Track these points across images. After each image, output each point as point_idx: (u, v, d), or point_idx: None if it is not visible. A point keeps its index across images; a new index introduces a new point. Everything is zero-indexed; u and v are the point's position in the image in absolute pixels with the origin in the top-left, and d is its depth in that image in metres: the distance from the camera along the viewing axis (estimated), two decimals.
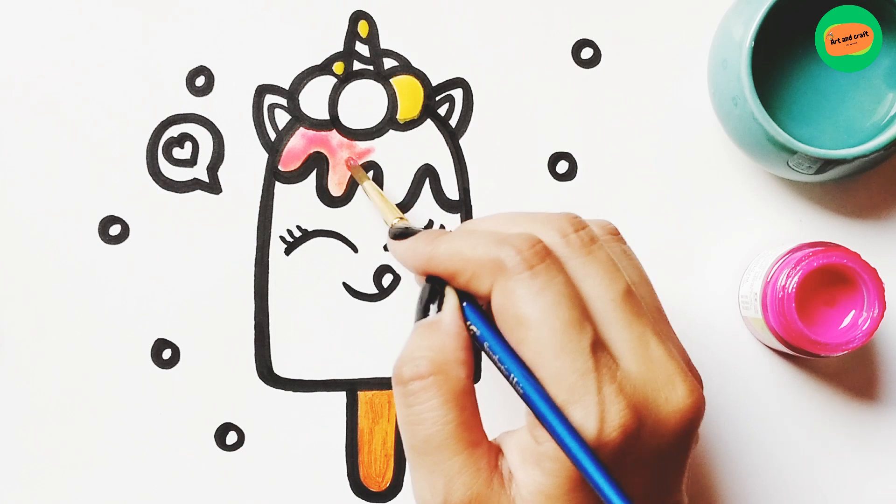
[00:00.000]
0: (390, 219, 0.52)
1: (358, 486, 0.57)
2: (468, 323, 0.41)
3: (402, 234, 0.45)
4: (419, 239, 0.43)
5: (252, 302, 0.58)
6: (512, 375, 0.39)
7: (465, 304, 0.41)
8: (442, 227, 0.58)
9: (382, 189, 0.58)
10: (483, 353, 0.40)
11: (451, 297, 0.41)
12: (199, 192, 0.58)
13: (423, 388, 0.39)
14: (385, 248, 0.58)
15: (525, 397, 0.38)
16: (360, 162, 0.58)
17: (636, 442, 0.38)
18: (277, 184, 0.58)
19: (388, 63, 0.58)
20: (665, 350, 0.40)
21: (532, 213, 0.42)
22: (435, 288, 0.42)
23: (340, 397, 0.58)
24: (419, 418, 0.39)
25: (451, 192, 0.58)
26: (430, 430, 0.39)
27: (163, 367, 0.58)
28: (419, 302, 0.42)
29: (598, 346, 0.38)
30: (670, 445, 0.39)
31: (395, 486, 0.57)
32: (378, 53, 0.58)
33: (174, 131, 0.58)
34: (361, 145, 0.58)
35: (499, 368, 0.39)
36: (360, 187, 0.57)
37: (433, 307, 0.42)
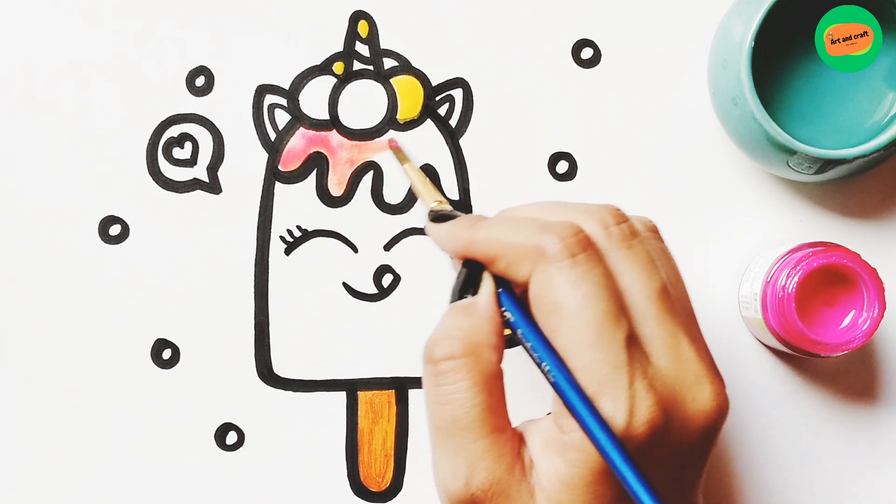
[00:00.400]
0: (429, 202, 0.52)
1: (358, 486, 0.57)
2: (503, 309, 0.41)
3: (440, 217, 0.45)
4: (459, 223, 0.43)
5: (252, 302, 0.58)
6: (544, 363, 0.38)
7: (500, 290, 0.41)
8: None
9: (383, 189, 0.58)
10: (516, 339, 0.40)
11: (487, 282, 0.41)
12: (199, 192, 0.58)
13: (453, 369, 0.39)
14: (385, 248, 0.58)
15: (555, 386, 0.38)
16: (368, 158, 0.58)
17: (661, 438, 0.38)
18: (277, 184, 0.58)
19: (388, 63, 0.58)
20: (695, 350, 0.40)
21: (574, 202, 0.42)
22: (472, 272, 0.42)
23: (340, 397, 0.58)
24: (447, 398, 0.39)
25: (452, 192, 0.58)
26: (458, 411, 0.39)
27: (163, 367, 0.58)
28: (455, 285, 0.42)
29: (632, 341, 0.38)
30: (692, 445, 0.39)
31: (395, 486, 0.57)
32: (378, 53, 0.58)
33: (174, 131, 0.58)
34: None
35: (531, 356, 0.39)
36: (402, 168, 0.56)
37: (468, 291, 0.41)
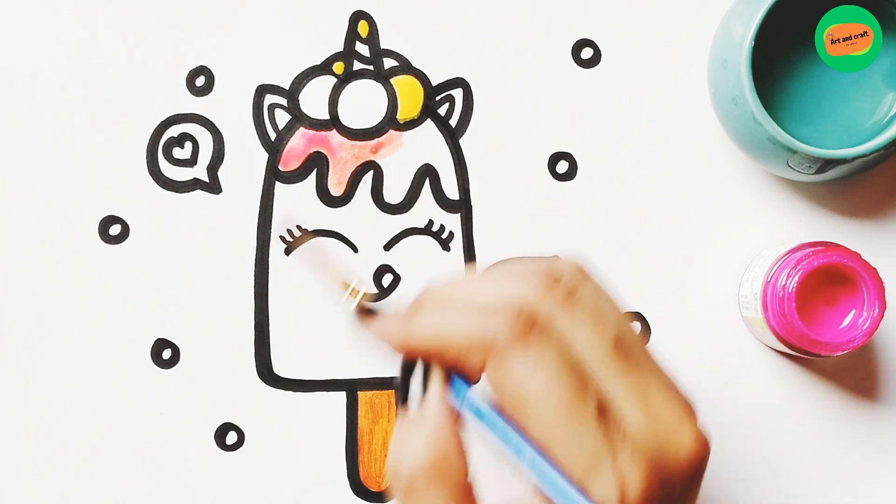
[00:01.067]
0: (339, 289, 0.50)
1: (358, 486, 0.57)
2: (461, 403, 0.39)
3: (367, 312, 0.43)
4: (391, 317, 0.41)
5: (252, 302, 0.58)
6: (521, 456, 0.37)
7: (455, 382, 0.39)
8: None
9: (383, 189, 0.58)
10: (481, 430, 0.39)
11: (435, 381, 0.39)
12: (199, 192, 0.58)
13: (423, 486, 0.38)
14: (385, 248, 0.58)
15: (539, 475, 0.37)
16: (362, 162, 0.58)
17: (656, 497, 0.37)
18: (277, 184, 0.58)
19: (388, 63, 0.58)
20: (664, 394, 0.39)
21: (501, 268, 0.41)
22: (411, 369, 0.40)
23: (340, 397, 0.58)
24: None
25: (451, 192, 0.58)
26: None
27: (163, 367, 0.58)
28: (397, 387, 0.40)
29: (603, 410, 0.37)
30: (683, 490, 0.38)
31: None
32: (378, 53, 0.58)
33: (174, 131, 0.58)
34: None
35: (501, 447, 0.38)
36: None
37: (414, 387, 0.40)
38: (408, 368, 0.40)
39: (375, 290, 0.50)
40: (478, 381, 0.39)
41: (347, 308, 0.47)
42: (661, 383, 0.39)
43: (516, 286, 0.39)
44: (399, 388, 0.40)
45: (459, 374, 0.39)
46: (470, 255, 0.58)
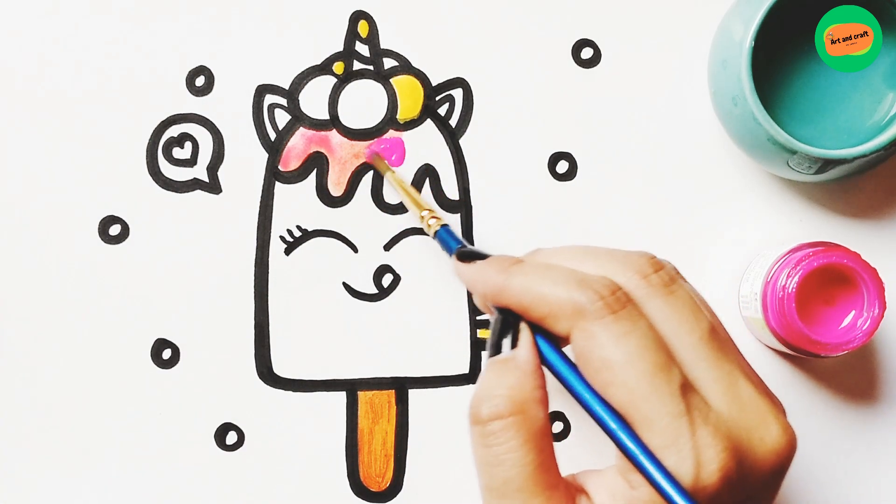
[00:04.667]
0: (417, 212, 0.52)
1: (358, 486, 0.57)
2: (545, 360, 0.40)
3: (469, 255, 0.44)
4: (490, 265, 0.42)
5: (252, 302, 0.58)
6: (601, 418, 0.38)
7: (540, 339, 0.40)
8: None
9: (383, 189, 0.58)
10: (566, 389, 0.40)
11: (525, 333, 0.40)
12: (199, 192, 0.58)
13: (502, 429, 0.38)
14: (385, 248, 0.58)
15: (617, 441, 0.37)
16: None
17: (734, 485, 0.37)
18: (277, 184, 0.58)
19: (388, 63, 0.58)
20: (754, 388, 0.39)
21: (609, 249, 0.42)
22: (507, 321, 0.41)
23: (340, 397, 0.58)
24: (498, 459, 0.38)
25: (451, 192, 0.58)
26: (510, 472, 0.38)
27: (163, 367, 0.58)
28: (491, 335, 0.41)
29: (688, 388, 0.38)
30: (765, 486, 0.39)
31: (395, 486, 0.57)
32: (378, 53, 0.58)
33: (174, 131, 0.58)
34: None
35: (583, 406, 0.39)
36: (384, 179, 0.56)
37: (506, 340, 0.40)
38: (500, 320, 0.41)
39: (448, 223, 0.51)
40: (560, 345, 0.40)
41: (429, 234, 0.49)
42: (750, 378, 0.40)
43: (618, 267, 0.40)
44: (492, 344, 0.41)
45: (543, 333, 0.40)
46: None
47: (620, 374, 0.37)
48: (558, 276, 0.40)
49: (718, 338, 0.39)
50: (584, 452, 0.57)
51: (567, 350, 0.41)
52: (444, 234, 0.50)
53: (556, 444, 0.56)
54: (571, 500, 0.39)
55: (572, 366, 0.39)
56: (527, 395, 0.39)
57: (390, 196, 0.58)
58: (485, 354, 0.41)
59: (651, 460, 0.37)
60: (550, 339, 0.40)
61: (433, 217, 0.51)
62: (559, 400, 0.56)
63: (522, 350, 0.40)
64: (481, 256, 0.43)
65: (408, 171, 0.58)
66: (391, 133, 0.58)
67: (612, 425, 0.38)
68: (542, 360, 0.40)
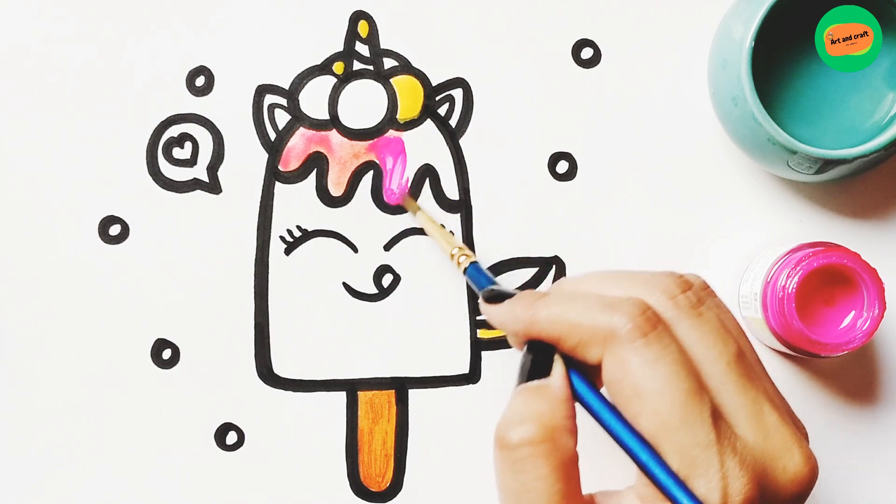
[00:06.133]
0: (448, 249, 0.52)
1: (358, 486, 0.57)
2: (576, 391, 0.40)
3: (496, 296, 0.44)
4: (517, 302, 0.42)
5: (252, 302, 0.58)
6: (630, 448, 0.38)
7: (572, 371, 0.40)
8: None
9: (383, 189, 0.58)
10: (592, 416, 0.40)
11: (559, 363, 0.40)
12: (199, 192, 0.58)
13: (531, 455, 0.38)
14: (385, 248, 0.58)
15: (646, 469, 0.37)
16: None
17: None
18: (277, 184, 0.58)
19: (388, 63, 0.58)
20: (779, 416, 0.39)
21: (633, 272, 0.41)
22: (539, 357, 0.40)
23: (340, 397, 0.58)
24: (525, 487, 0.38)
25: (451, 192, 0.58)
26: (537, 500, 0.38)
27: (163, 367, 0.58)
28: (521, 369, 0.41)
29: (717, 416, 0.37)
30: None
31: (395, 486, 0.57)
32: (378, 53, 0.58)
33: (174, 131, 0.58)
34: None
35: (612, 437, 0.39)
36: (415, 216, 0.57)
37: (537, 374, 0.40)
38: (531, 350, 0.41)
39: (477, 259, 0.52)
40: (592, 375, 0.40)
41: (458, 269, 0.50)
42: (775, 404, 0.39)
43: (645, 289, 0.40)
44: (521, 377, 0.40)
45: (575, 364, 0.40)
46: None
47: (651, 403, 0.37)
48: (586, 302, 0.39)
49: (745, 363, 0.39)
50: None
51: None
52: (473, 272, 0.51)
53: None
54: None
55: (601, 397, 0.39)
56: (558, 423, 0.39)
57: (390, 196, 0.58)
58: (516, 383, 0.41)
59: (683, 490, 0.37)
60: (582, 372, 0.40)
61: (463, 254, 0.52)
62: None
63: (556, 378, 0.40)
64: (508, 295, 0.43)
65: (408, 171, 0.58)
66: (391, 133, 0.58)
67: (643, 457, 0.37)
68: (573, 391, 0.40)
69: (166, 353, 0.58)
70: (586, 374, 0.40)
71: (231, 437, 0.58)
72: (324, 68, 0.58)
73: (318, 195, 0.58)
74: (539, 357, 0.40)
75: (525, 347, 0.41)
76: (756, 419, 0.38)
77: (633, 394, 0.38)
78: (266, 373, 0.58)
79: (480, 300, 0.46)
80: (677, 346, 0.38)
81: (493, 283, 0.48)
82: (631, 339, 0.38)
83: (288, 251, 0.58)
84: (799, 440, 0.39)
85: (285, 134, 0.58)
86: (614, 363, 0.38)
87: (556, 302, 0.40)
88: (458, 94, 0.58)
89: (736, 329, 0.41)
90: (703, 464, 0.37)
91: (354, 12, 0.58)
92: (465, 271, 0.52)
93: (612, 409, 0.39)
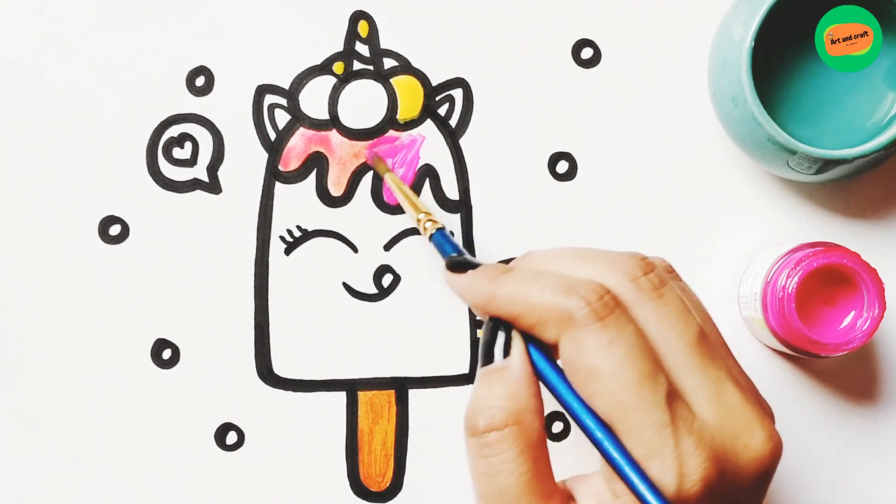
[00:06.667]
0: (414, 214, 0.52)
1: (358, 486, 0.58)
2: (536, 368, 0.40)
3: (459, 265, 0.44)
4: (479, 275, 0.42)
5: (252, 302, 0.58)
6: (586, 427, 0.38)
7: (531, 347, 0.40)
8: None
9: (383, 189, 0.58)
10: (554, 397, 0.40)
11: (518, 342, 0.40)
12: (199, 192, 0.58)
13: (498, 440, 0.39)
14: (385, 248, 0.58)
15: (601, 450, 0.38)
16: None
17: (716, 493, 0.37)
18: (277, 184, 0.58)
19: (388, 63, 0.58)
20: (741, 394, 0.39)
21: (598, 251, 0.41)
22: (497, 329, 0.41)
23: (340, 397, 0.58)
24: (494, 470, 0.39)
25: (451, 192, 0.58)
26: (506, 482, 0.38)
27: (163, 367, 0.58)
28: (482, 344, 0.41)
29: (674, 397, 0.38)
30: (749, 491, 0.39)
31: (395, 486, 0.57)
32: (378, 53, 0.58)
33: (174, 131, 0.58)
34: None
35: (570, 416, 0.39)
36: (383, 181, 0.56)
37: (497, 349, 0.40)
38: (491, 327, 0.41)
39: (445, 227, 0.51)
40: (553, 352, 0.40)
41: (424, 236, 0.50)
42: (738, 384, 0.39)
43: (607, 270, 0.40)
44: (483, 353, 0.41)
45: (536, 341, 0.40)
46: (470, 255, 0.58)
47: (606, 384, 0.37)
48: (546, 282, 0.39)
49: (707, 343, 0.39)
50: (584, 452, 0.57)
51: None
52: (439, 238, 0.50)
53: (556, 444, 0.56)
54: None
55: (561, 374, 0.39)
56: (522, 405, 0.39)
57: (390, 196, 0.58)
58: (479, 364, 0.41)
59: (635, 470, 0.37)
60: (541, 347, 0.40)
61: (430, 220, 0.51)
62: None
63: (515, 359, 0.40)
64: (472, 265, 0.43)
65: (408, 170, 0.58)
66: (391, 133, 0.58)
67: (598, 434, 0.38)
68: (532, 367, 0.40)
69: (166, 353, 0.58)
70: (547, 350, 0.40)
71: (231, 437, 0.58)
72: (324, 68, 0.58)
73: (318, 195, 0.58)
74: (497, 334, 0.41)
75: (486, 324, 0.41)
76: (717, 399, 0.38)
77: (589, 375, 0.38)
78: (266, 373, 0.58)
79: (444, 268, 0.45)
80: (634, 328, 0.38)
81: (460, 252, 0.48)
82: (587, 322, 0.38)
83: (288, 251, 0.58)
84: (761, 418, 0.39)
85: (285, 134, 0.58)
86: (570, 345, 0.38)
87: (517, 279, 0.40)
88: (458, 94, 0.58)
89: (700, 311, 0.41)
90: (657, 444, 0.37)
91: (354, 12, 0.58)
92: (430, 238, 0.51)
93: (570, 388, 0.39)
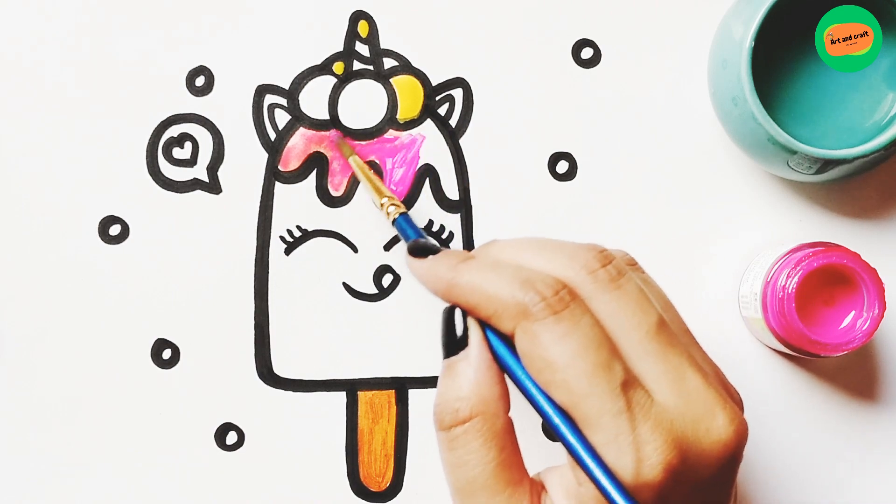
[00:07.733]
0: (377, 199, 0.52)
1: (358, 486, 0.58)
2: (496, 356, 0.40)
3: (420, 249, 0.44)
4: (440, 262, 0.42)
5: (252, 302, 0.58)
6: (544, 412, 0.38)
7: (490, 335, 0.40)
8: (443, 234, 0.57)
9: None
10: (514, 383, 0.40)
11: (475, 331, 0.41)
12: (199, 192, 0.58)
13: (464, 432, 0.39)
14: (385, 248, 0.58)
15: (560, 437, 0.38)
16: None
17: (681, 479, 0.37)
18: (277, 184, 0.58)
19: (388, 63, 0.58)
20: (702, 379, 0.39)
21: (559, 242, 0.42)
22: (453, 316, 0.41)
23: (340, 397, 0.58)
24: (462, 461, 0.39)
25: (451, 192, 0.58)
26: (473, 471, 0.39)
27: (163, 367, 0.58)
28: (444, 338, 0.41)
29: (630, 385, 0.38)
30: (716, 476, 0.39)
31: (395, 486, 0.57)
32: (378, 53, 0.58)
33: (174, 131, 0.58)
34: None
35: (530, 403, 0.39)
36: (358, 177, 0.57)
37: (458, 335, 0.41)
38: (448, 321, 0.41)
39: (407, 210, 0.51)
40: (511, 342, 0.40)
41: (386, 220, 0.49)
42: (700, 369, 0.39)
43: (566, 262, 0.40)
44: (443, 340, 0.41)
45: (494, 330, 0.40)
46: None
47: (561, 375, 0.38)
48: (504, 274, 0.40)
49: (667, 331, 0.39)
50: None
51: None
52: (402, 223, 0.50)
53: (555, 444, 0.56)
54: (536, 495, 0.39)
55: (520, 363, 0.40)
56: (485, 394, 0.40)
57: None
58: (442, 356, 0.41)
59: (591, 455, 0.37)
60: (501, 336, 0.40)
61: (393, 204, 0.51)
62: None
63: (473, 349, 0.40)
64: (434, 251, 0.43)
65: (408, 170, 0.58)
66: (391, 133, 0.58)
67: (556, 420, 0.38)
68: (493, 356, 0.40)
69: (166, 353, 0.58)
70: (507, 340, 0.40)
71: (231, 437, 0.58)
72: (324, 68, 0.58)
73: (318, 195, 0.58)
74: (453, 320, 0.41)
75: (444, 312, 0.41)
76: (677, 384, 0.39)
77: (544, 366, 0.38)
78: (266, 373, 0.58)
79: (405, 252, 0.45)
80: (590, 320, 0.38)
81: (422, 236, 0.48)
82: (541, 316, 0.38)
83: (288, 251, 0.58)
84: (723, 402, 0.39)
85: (285, 134, 0.58)
86: (525, 338, 0.39)
87: (476, 269, 0.41)
88: (458, 94, 0.58)
89: (661, 300, 0.41)
90: (612, 431, 0.37)
91: (354, 12, 0.58)
92: (393, 222, 0.51)
93: (528, 377, 0.39)
